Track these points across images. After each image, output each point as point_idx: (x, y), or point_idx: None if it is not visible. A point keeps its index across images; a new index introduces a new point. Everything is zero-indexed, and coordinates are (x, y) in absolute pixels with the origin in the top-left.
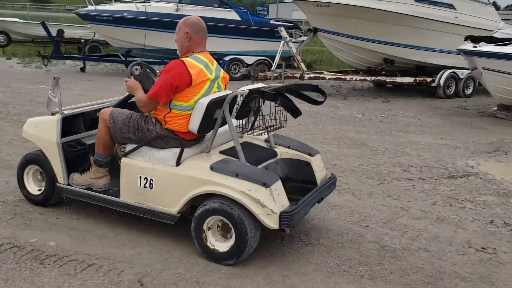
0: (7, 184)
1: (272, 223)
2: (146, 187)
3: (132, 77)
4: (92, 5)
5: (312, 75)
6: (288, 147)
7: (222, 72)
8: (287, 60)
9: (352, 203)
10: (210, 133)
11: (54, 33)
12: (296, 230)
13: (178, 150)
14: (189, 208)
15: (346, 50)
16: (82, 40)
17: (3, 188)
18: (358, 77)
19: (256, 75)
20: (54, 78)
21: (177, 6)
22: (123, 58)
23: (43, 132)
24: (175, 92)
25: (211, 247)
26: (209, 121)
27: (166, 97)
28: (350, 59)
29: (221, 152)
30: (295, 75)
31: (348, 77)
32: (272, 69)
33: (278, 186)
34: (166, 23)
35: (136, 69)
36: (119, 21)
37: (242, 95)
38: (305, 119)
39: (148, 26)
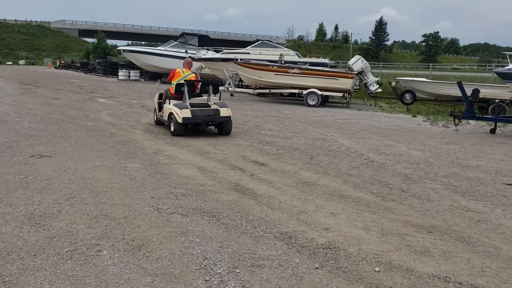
0: None
1: (180, 120)
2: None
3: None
4: None
5: None
6: (214, 104)
7: (191, 75)
8: None
9: None
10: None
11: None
12: None
13: (174, 102)
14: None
15: None
16: (497, 101)
17: None
18: None
19: None
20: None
21: None
22: None
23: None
24: (172, 77)
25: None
26: (178, 90)
27: (170, 78)
28: None
29: (190, 104)
30: None
31: None
32: None
33: (185, 110)
34: None
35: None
36: None
37: (184, 82)
38: None
39: None
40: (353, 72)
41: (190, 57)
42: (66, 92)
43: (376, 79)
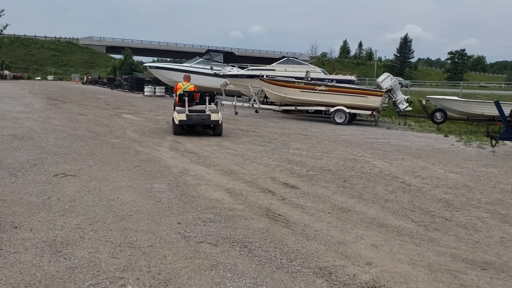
0: None
1: (177, 122)
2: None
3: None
4: None
5: None
6: (209, 110)
7: (190, 86)
8: None
9: None
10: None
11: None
12: None
13: (177, 108)
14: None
15: None
16: None
17: None
18: None
19: None
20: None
21: None
22: None
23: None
24: (176, 90)
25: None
26: (181, 99)
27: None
28: None
29: (188, 110)
30: None
31: None
32: None
33: (182, 114)
34: None
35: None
36: None
37: (184, 92)
38: None
39: None
40: (382, 90)
41: (215, 72)
42: (92, 108)
43: (406, 97)
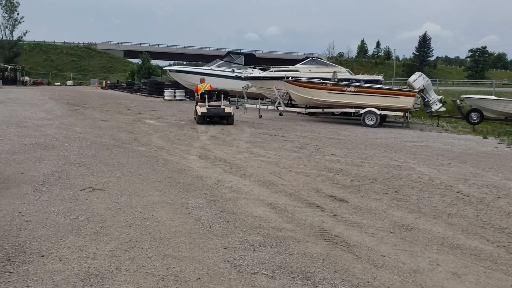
0: None
1: (200, 113)
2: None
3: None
4: None
5: None
6: (224, 105)
7: (207, 86)
8: None
9: None
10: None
11: None
12: None
13: (199, 103)
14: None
15: None
16: None
17: None
18: None
19: None
20: None
21: None
22: None
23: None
24: (197, 90)
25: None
26: (202, 97)
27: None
28: None
29: (208, 105)
30: None
31: None
32: None
33: (203, 107)
34: None
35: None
36: None
37: (204, 91)
38: None
39: None
40: (415, 90)
41: (237, 74)
42: (114, 114)
43: (439, 97)
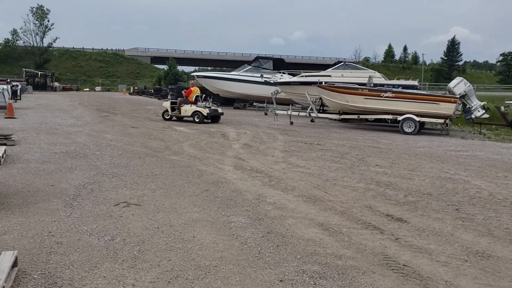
0: None
1: (205, 114)
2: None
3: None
4: None
5: None
6: (215, 106)
7: (197, 91)
8: None
9: None
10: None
11: None
12: None
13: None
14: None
15: None
16: None
17: None
18: None
19: None
20: None
21: None
22: None
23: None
24: (189, 93)
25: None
26: (196, 99)
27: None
28: None
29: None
30: None
31: None
32: None
33: (206, 109)
34: None
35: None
36: None
37: (199, 95)
38: None
39: None
40: (456, 96)
41: (266, 80)
42: (143, 120)
43: (482, 103)
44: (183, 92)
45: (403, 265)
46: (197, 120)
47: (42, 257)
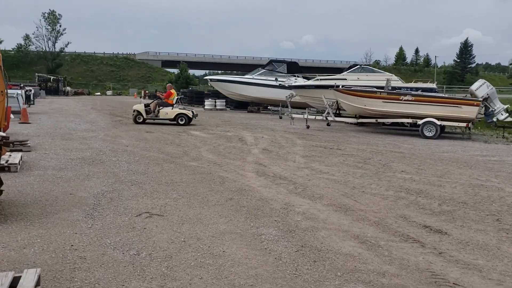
0: None
1: (191, 116)
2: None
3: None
4: None
5: None
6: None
7: (175, 94)
8: None
9: None
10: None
11: None
12: None
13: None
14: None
15: None
16: None
17: None
18: None
19: None
20: None
21: None
22: None
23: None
24: (169, 95)
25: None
26: (177, 101)
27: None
28: None
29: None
30: None
31: None
32: None
33: (191, 111)
34: None
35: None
36: None
37: (178, 97)
38: None
39: None
40: (479, 99)
41: (280, 83)
42: (157, 124)
43: (505, 106)
44: (159, 94)
45: (454, 283)
46: (181, 122)
47: (66, 274)
